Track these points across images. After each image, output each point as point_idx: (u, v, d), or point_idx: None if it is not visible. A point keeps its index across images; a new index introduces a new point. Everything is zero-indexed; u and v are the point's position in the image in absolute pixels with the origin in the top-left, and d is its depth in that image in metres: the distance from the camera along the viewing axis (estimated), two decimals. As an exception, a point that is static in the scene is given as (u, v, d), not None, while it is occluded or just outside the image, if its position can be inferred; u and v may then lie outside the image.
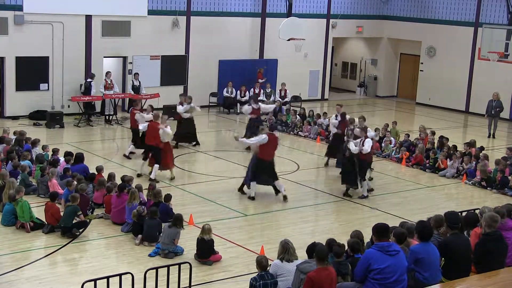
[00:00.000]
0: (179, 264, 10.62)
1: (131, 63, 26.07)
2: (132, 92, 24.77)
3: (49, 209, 13.45)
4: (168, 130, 17.15)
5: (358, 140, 16.44)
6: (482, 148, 20.44)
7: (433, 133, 21.49)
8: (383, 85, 33.87)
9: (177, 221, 12.51)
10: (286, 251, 9.51)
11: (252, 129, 20.19)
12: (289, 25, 26.82)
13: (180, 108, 20.50)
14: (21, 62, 23.76)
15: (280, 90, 27.62)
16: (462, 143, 21.33)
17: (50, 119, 23.12)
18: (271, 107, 22.43)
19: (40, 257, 12.22)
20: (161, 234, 12.69)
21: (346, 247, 9.74)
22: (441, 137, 21.02)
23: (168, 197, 14.07)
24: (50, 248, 12.59)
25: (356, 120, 18.35)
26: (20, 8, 23.45)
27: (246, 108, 21.27)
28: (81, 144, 20.71)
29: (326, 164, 19.79)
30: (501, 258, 9.47)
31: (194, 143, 21.17)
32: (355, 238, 9.85)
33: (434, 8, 31.08)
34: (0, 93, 23.99)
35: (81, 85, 24.44)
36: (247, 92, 27.36)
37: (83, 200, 13.89)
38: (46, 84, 24.43)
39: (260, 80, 28.35)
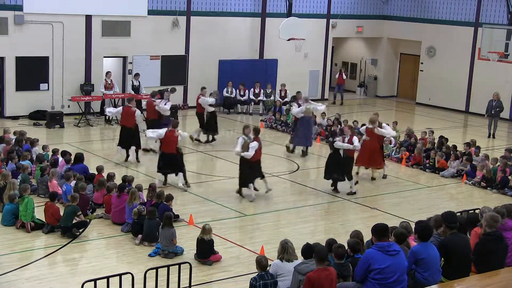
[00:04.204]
0: (179, 264, 10.62)
1: (131, 63, 26.07)
2: (133, 92, 24.75)
3: (49, 209, 13.45)
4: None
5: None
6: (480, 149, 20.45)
7: (432, 133, 21.52)
8: (383, 85, 33.86)
9: (167, 221, 12.48)
10: (286, 251, 9.52)
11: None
12: (289, 25, 26.81)
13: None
14: (21, 62, 23.76)
15: (280, 91, 27.62)
16: (462, 143, 21.32)
17: (50, 119, 23.11)
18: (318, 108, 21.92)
19: (40, 257, 12.22)
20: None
21: (346, 247, 9.74)
22: (441, 137, 21.03)
23: (169, 197, 14.07)
24: (50, 248, 12.59)
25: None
26: (20, 8, 23.44)
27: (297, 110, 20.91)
28: (81, 144, 20.72)
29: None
30: (501, 258, 9.48)
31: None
32: (355, 238, 9.84)
33: (434, 8, 31.07)
34: (0, 93, 23.99)
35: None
36: (247, 91, 27.35)
37: (83, 200, 13.91)
38: (46, 84, 24.43)
39: (343, 78, 31.00)
